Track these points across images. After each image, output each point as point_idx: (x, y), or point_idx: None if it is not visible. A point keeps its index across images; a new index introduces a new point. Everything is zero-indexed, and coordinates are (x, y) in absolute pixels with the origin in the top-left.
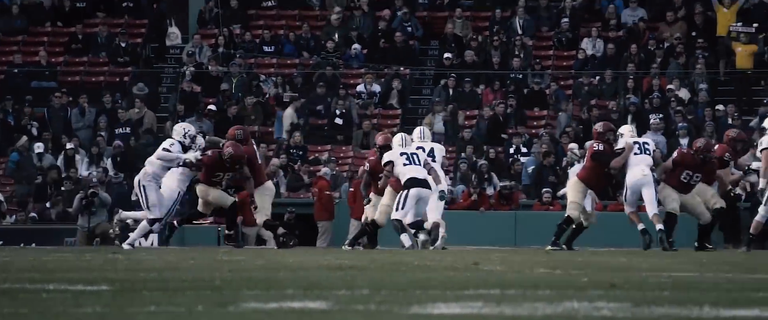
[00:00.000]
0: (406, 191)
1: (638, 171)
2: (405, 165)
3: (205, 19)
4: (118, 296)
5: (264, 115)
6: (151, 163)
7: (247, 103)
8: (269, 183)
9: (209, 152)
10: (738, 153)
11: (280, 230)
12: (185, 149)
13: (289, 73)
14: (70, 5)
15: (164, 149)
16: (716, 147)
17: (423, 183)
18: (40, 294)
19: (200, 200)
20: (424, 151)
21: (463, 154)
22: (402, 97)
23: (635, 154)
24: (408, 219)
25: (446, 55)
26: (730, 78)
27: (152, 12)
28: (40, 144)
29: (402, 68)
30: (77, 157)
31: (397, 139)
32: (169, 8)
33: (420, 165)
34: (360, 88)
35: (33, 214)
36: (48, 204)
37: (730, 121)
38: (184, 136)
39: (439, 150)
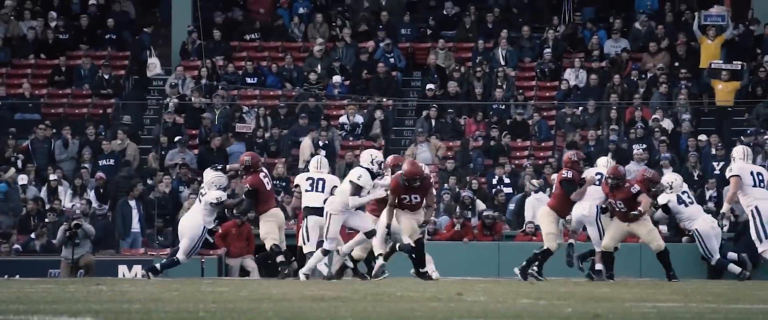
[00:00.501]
0: (305, 221)
1: (583, 207)
2: (306, 191)
3: (187, 51)
4: None
5: (247, 147)
6: (342, 193)
7: (232, 135)
8: (276, 211)
9: (392, 175)
10: (650, 193)
11: (279, 258)
12: (374, 176)
13: (272, 105)
14: (54, 38)
15: (351, 181)
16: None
17: (316, 211)
18: None
19: (406, 229)
20: (316, 187)
21: (446, 185)
22: (385, 127)
23: (594, 185)
24: (309, 248)
25: (429, 86)
26: (713, 110)
27: (135, 44)
28: (23, 175)
29: (384, 99)
30: (61, 188)
31: (313, 162)
32: (150, 40)
33: (322, 192)
34: (343, 119)
35: (17, 246)
36: (32, 236)
37: (713, 151)
38: (372, 162)
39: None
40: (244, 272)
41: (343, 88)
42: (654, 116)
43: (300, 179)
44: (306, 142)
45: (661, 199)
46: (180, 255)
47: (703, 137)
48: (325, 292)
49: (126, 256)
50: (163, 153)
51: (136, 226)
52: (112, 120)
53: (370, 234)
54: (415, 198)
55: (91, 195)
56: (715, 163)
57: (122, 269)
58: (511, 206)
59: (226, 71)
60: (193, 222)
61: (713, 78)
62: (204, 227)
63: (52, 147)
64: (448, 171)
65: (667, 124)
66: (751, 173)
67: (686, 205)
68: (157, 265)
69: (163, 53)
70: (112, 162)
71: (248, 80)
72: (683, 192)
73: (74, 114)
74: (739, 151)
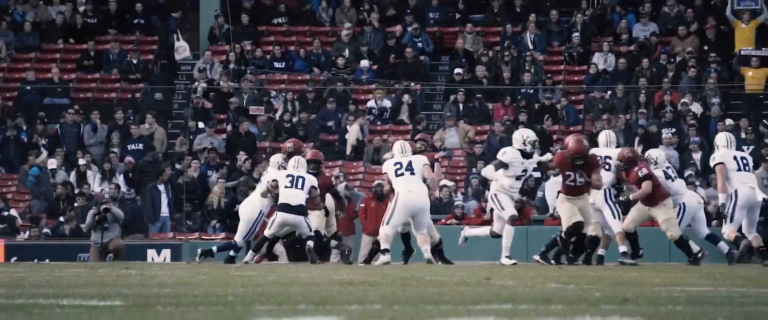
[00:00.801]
0: (275, 215)
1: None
2: (286, 187)
3: (215, 36)
4: (132, 311)
5: (275, 131)
6: (498, 177)
7: (259, 120)
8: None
9: (556, 152)
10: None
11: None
12: (527, 156)
13: (300, 89)
14: (82, 22)
15: (501, 162)
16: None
17: (290, 209)
18: (54, 309)
19: (570, 213)
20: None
21: (474, 169)
22: (412, 112)
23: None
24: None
25: (457, 70)
26: (743, 94)
27: (163, 28)
28: (52, 160)
29: (412, 83)
30: (89, 173)
31: (292, 162)
32: (178, 24)
33: (301, 190)
34: (370, 103)
35: (46, 230)
36: (62, 220)
37: (743, 135)
38: (524, 143)
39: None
40: (272, 256)
41: (370, 72)
42: (683, 100)
43: (279, 175)
44: (354, 128)
45: None
46: (237, 238)
47: (729, 121)
48: (353, 276)
49: (155, 240)
50: (191, 137)
51: (164, 210)
52: (141, 104)
53: (512, 219)
54: (581, 177)
55: (119, 179)
56: (744, 147)
57: (151, 253)
58: (541, 193)
59: (253, 56)
60: (250, 206)
61: (743, 65)
62: (260, 211)
63: (81, 131)
64: (477, 156)
65: (697, 108)
66: (735, 158)
67: (672, 180)
68: (214, 248)
69: (192, 38)
70: (140, 146)
71: (276, 65)
72: (667, 167)
73: (103, 98)
74: (721, 138)
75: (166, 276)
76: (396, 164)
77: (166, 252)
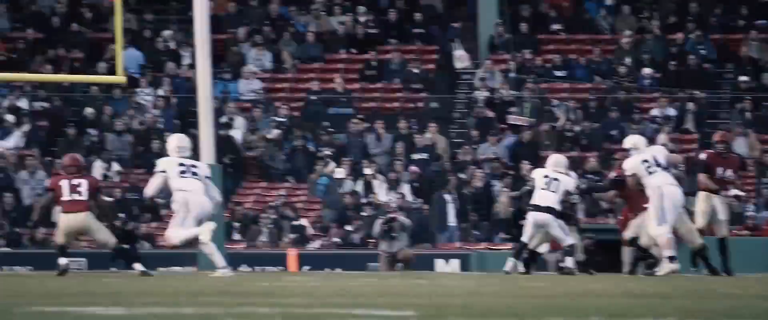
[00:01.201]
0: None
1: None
2: (542, 189)
3: (495, 45)
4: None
5: (558, 140)
6: None
7: (541, 129)
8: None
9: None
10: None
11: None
12: None
13: (581, 98)
14: (363, 32)
15: None
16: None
17: (539, 209)
18: (347, 319)
19: None
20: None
21: (764, 179)
22: (698, 120)
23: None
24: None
25: (742, 77)
26: None
27: (442, 38)
28: (340, 170)
29: (696, 92)
30: (375, 182)
31: (551, 161)
32: (458, 34)
33: (555, 192)
34: (654, 111)
35: (336, 239)
36: (350, 228)
37: None
38: None
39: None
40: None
41: (653, 80)
42: None
43: (536, 174)
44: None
45: None
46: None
47: None
48: (645, 288)
49: (442, 250)
50: (474, 147)
51: (452, 220)
52: (423, 114)
53: None
54: None
55: (405, 188)
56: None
57: (439, 263)
58: None
59: (534, 64)
60: None
61: None
62: None
63: (366, 141)
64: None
65: None
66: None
67: None
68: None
69: (471, 47)
70: (425, 156)
71: (557, 73)
72: None
73: (386, 108)
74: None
75: (456, 287)
76: (644, 162)
77: (455, 262)
